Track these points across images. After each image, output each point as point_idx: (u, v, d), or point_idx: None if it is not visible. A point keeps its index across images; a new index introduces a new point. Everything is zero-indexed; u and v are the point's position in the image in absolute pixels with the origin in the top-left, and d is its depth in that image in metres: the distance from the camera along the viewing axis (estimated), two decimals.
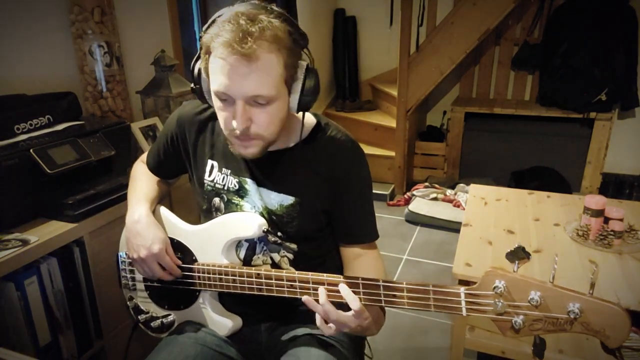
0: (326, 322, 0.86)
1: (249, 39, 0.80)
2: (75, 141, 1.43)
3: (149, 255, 1.00)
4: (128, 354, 1.21)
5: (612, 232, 1.49)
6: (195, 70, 0.93)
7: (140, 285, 1.13)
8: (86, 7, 1.67)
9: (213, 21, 0.86)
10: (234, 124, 0.87)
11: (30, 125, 1.45)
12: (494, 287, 0.75)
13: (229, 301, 1.09)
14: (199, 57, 0.92)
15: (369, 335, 0.92)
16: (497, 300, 0.76)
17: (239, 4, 0.86)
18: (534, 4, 3.45)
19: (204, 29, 0.88)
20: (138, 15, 2.07)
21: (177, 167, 1.16)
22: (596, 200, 1.53)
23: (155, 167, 1.18)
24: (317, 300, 0.86)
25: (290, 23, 0.86)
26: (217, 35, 0.82)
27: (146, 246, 1.00)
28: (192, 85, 0.96)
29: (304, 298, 0.87)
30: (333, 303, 0.86)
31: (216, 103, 0.91)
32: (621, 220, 1.51)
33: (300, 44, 0.88)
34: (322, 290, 0.87)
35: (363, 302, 0.85)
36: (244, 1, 0.88)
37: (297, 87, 0.90)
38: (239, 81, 0.83)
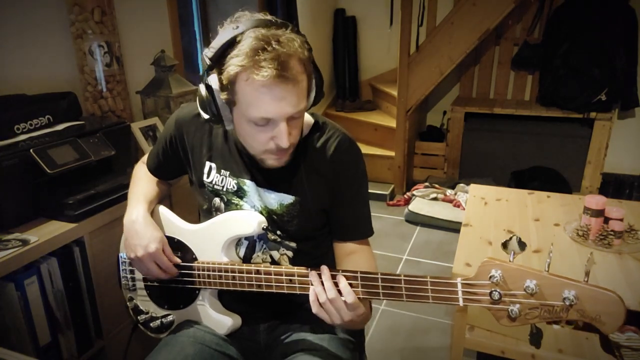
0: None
1: (289, 62, 0.82)
2: (75, 141, 1.43)
3: (145, 255, 1.00)
4: (128, 353, 1.21)
5: (612, 232, 1.49)
6: (219, 103, 0.89)
7: (140, 286, 1.13)
8: (86, 7, 1.68)
9: (229, 47, 0.84)
10: (274, 142, 0.89)
11: (30, 125, 1.46)
12: (490, 277, 0.76)
13: (229, 300, 1.09)
14: (214, 87, 0.88)
15: (357, 328, 0.94)
16: (493, 289, 0.77)
17: (242, 24, 0.85)
18: (534, 4, 3.45)
19: (211, 56, 0.85)
20: (138, 15, 2.08)
21: (177, 169, 1.16)
22: (596, 200, 1.53)
23: (155, 169, 1.19)
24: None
25: (301, 34, 0.88)
26: (257, 66, 0.81)
27: (143, 245, 1.00)
28: (207, 115, 0.92)
29: (311, 273, 0.89)
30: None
31: (249, 128, 0.90)
32: (621, 220, 1.51)
33: (309, 50, 0.89)
34: (324, 269, 0.88)
35: (362, 296, 0.86)
36: (244, 6, 0.88)
37: (312, 92, 0.93)
38: (284, 105, 0.85)
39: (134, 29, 2.05)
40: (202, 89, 0.90)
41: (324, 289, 0.86)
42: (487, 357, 1.57)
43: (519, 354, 1.44)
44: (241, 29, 0.84)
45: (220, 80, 0.87)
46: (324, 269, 0.88)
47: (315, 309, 0.87)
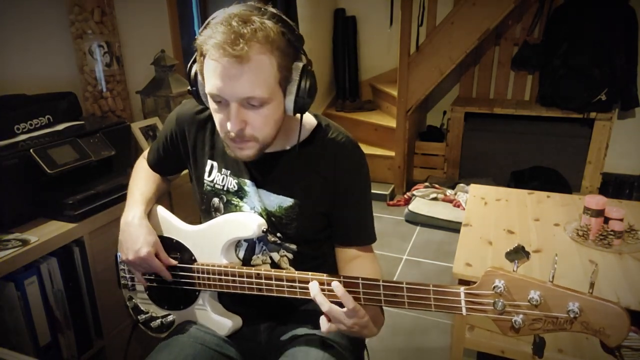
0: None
1: (240, 40, 0.80)
2: (75, 141, 1.43)
3: (136, 259, 1.00)
4: (128, 353, 1.21)
5: (612, 232, 1.49)
6: (192, 73, 0.94)
7: (140, 285, 1.13)
8: (86, 7, 1.67)
9: (207, 23, 0.86)
10: (228, 125, 0.87)
11: (30, 125, 1.45)
12: (494, 287, 0.75)
13: (229, 301, 1.09)
14: (195, 60, 0.92)
15: (369, 336, 0.92)
16: (497, 299, 0.76)
17: (234, 5, 0.86)
18: (534, 4, 3.45)
19: (199, 31, 0.88)
20: (138, 15, 2.07)
21: (177, 165, 1.16)
22: (596, 200, 1.53)
23: (155, 165, 1.19)
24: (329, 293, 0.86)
25: (284, 24, 0.86)
26: (210, 37, 0.82)
27: (134, 249, 1.00)
28: (189, 87, 0.96)
29: (311, 284, 0.87)
30: (332, 302, 0.86)
31: (212, 105, 0.91)
32: (621, 220, 1.51)
33: (295, 45, 0.87)
34: (315, 284, 0.87)
35: (363, 302, 0.85)
36: (241, 2, 0.88)
37: (292, 88, 0.89)
38: (231, 83, 0.83)
39: (134, 29, 2.05)
40: (191, 61, 0.94)
41: (318, 302, 0.85)
42: (487, 357, 1.57)
43: (519, 354, 1.44)
44: (229, 9, 0.85)
45: (195, 51, 0.89)
46: (315, 285, 0.87)
47: (324, 328, 0.86)
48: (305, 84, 0.89)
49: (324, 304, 0.84)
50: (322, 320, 0.86)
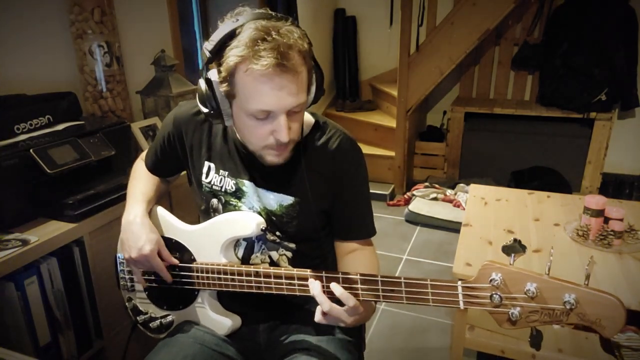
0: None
1: (290, 53, 0.81)
2: (75, 141, 1.43)
3: (139, 256, 1.00)
4: (127, 354, 1.21)
5: (612, 232, 1.49)
6: (208, 92, 0.88)
7: (139, 286, 1.13)
8: (86, 7, 1.68)
9: (229, 39, 0.83)
10: (274, 137, 0.89)
11: (30, 125, 1.45)
12: (491, 280, 0.76)
13: (228, 300, 1.09)
14: (213, 80, 0.88)
15: (360, 324, 0.93)
16: (494, 292, 0.76)
17: (242, 16, 0.85)
18: (534, 4, 3.45)
19: (211, 49, 0.84)
20: (138, 15, 2.07)
21: (175, 166, 1.16)
22: (596, 200, 1.53)
23: (153, 167, 1.19)
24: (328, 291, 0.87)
25: (301, 28, 0.88)
26: (256, 56, 0.80)
27: (137, 247, 1.00)
28: (206, 109, 0.91)
29: (310, 280, 0.88)
30: (331, 299, 0.86)
31: (248, 122, 0.89)
32: (621, 220, 1.51)
33: (310, 44, 0.89)
34: (316, 282, 0.87)
35: (361, 298, 0.86)
36: (243, 6, 0.88)
37: (312, 87, 0.92)
38: (285, 96, 0.84)
39: (134, 29, 2.05)
40: (201, 83, 0.89)
41: (319, 301, 0.86)
42: (487, 357, 1.57)
43: (519, 354, 1.44)
44: (241, 21, 0.84)
45: (219, 72, 0.86)
46: (316, 284, 0.87)
47: (317, 318, 0.87)
48: (319, 80, 0.93)
49: (325, 303, 0.84)
50: (318, 310, 0.86)
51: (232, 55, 0.83)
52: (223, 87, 0.87)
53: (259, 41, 0.81)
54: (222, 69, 0.85)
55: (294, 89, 0.84)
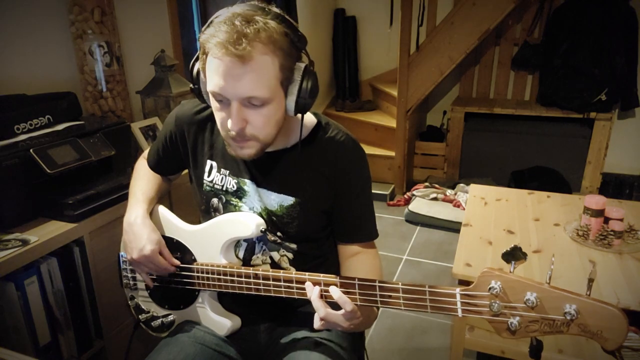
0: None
1: (243, 40, 0.80)
2: (75, 141, 1.43)
3: (141, 257, 1.00)
4: (130, 352, 1.21)
5: (612, 232, 1.49)
6: (194, 70, 0.94)
7: (141, 285, 1.13)
8: (86, 7, 1.68)
9: (211, 22, 0.86)
10: (229, 124, 0.87)
11: (30, 125, 1.45)
12: (490, 288, 0.74)
13: (228, 301, 1.09)
14: (197, 58, 0.92)
15: (361, 330, 0.92)
16: (492, 301, 0.75)
17: (237, 5, 0.86)
18: (534, 4, 3.45)
19: (202, 29, 0.88)
20: (138, 15, 2.07)
21: (177, 165, 1.17)
22: (596, 200, 1.53)
23: (155, 165, 1.19)
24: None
25: (287, 24, 0.86)
26: (213, 35, 0.82)
27: (139, 248, 1.00)
28: (191, 85, 0.96)
29: (308, 285, 0.88)
30: (329, 302, 0.86)
31: (213, 104, 0.91)
32: (621, 220, 1.51)
33: (297, 46, 0.88)
34: (314, 288, 0.87)
35: (359, 303, 0.85)
36: (244, 1, 0.88)
37: (294, 89, 0.89)
38: (233, 82, 0.83)
39: (134, 29, 2.05)
40: (194, 59, 0.93)
41: (315, 307, 0.86)
42: (487, 357, 1.57)
43: (519, 354, 1.44)
44: (232, 8, 0.85)
45: (199, 49, 0.89)
46: (314, 290, 0.87)
47: (316, 325, 0.87)
48: (306, 85, 0.89)
49: (320, 309, 0.85)
50: (316, 317, 0.86)
51: (204, 34, 0.85)
52: (200, 63, 0.90)
53: (222, 24, 0.82)
54: (199, 44, 0.88)
55: (240, 75, 0.82)
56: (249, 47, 0.80)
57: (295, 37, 0.87)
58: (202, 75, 0.92)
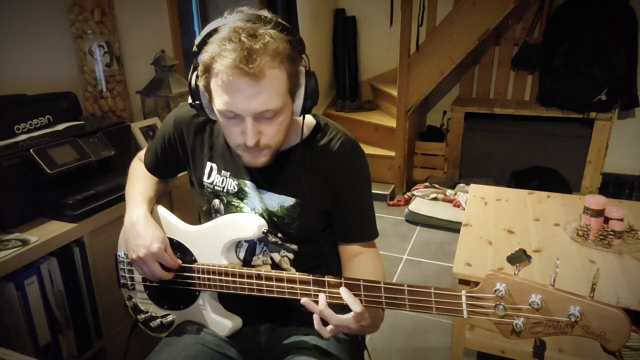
0: (324, 324, 0.86)
1: (254, 57, 0.80)
2: (75, 141, 1.43)
3: (148, 255, 1.00)
4: (127, 353, 1.21)
5: (612, 232, 1.49)
6: (193, 86, 0.92)
7: (139, 285, 1.13)
8: (86, 7, 1.67)
9: (208, 37, 0.85)
10: (243, 139, 0.88)
11: (30, 125, 1.45)
12: (495, 290, 0.75)
13: (229, 301, 1.09)
14: (195, 73, 0.90)
15: (369, 334, 0.92)
16: (498, 303, 0.76)
17: (234, 15, 0.85)
18: (534, 4, 3.45)
19: (196, 43, 0.86)
20: (138, 15, 2.07)
21: (176, 167, 1.16)
22: (596, 200, 1.53)
23: (153, 168, 1.18)
24: (316, 302, 0.86)
25: (287, 31, 0.86)
26: (220, 55, 0.81)
27: (146, 245, 1.00)
28: (191, 100, 0.94)
29: (303, 300, 0.87)
30: (334, 305, 0.86)
31: (221, 119, 0.90)
32: (621, 220, 1.51)
33: (299, 51, 0.88)
34: (321, 297, 0.87)
35: (364, 304, 0.85)
36: (242, 7, 0.88)
37: (300, 93, 0.91)
38: (247, 101, 0.84)
39: (134, 29, 2.05)
40: (191, 74, 0.92)
41: (325, 315, 0.85)
42: (487, 357, 1.57)
43: (519, 354, 1.44)
44: (227, 20, 0.85)
45: (199, 66, 0.88)
46: (321, 302, 0.86)
47: (325, 335, 0.87)
48: (311, 87, 0.91)
49: (332, 318, 0.85)
50: (318, 325, 0.86)
51: (205, 51, 0.84)
52: (201, 81, 0.89)
53: (227, 41, 0.81)
54: (200, 62, 0.87)
55: (256, 94, 0.83)
56: (261, 64, 0.81)
57: (296, 41, 0.87)
58: (202, 89, 0.91)
